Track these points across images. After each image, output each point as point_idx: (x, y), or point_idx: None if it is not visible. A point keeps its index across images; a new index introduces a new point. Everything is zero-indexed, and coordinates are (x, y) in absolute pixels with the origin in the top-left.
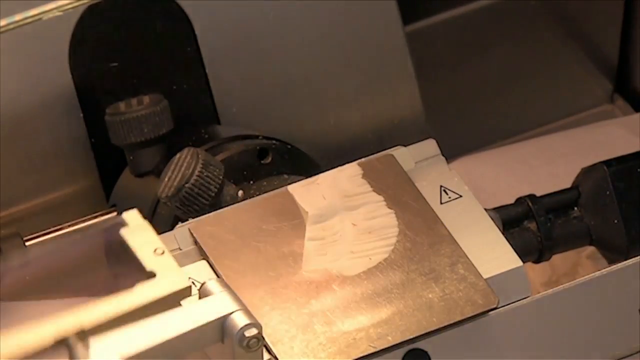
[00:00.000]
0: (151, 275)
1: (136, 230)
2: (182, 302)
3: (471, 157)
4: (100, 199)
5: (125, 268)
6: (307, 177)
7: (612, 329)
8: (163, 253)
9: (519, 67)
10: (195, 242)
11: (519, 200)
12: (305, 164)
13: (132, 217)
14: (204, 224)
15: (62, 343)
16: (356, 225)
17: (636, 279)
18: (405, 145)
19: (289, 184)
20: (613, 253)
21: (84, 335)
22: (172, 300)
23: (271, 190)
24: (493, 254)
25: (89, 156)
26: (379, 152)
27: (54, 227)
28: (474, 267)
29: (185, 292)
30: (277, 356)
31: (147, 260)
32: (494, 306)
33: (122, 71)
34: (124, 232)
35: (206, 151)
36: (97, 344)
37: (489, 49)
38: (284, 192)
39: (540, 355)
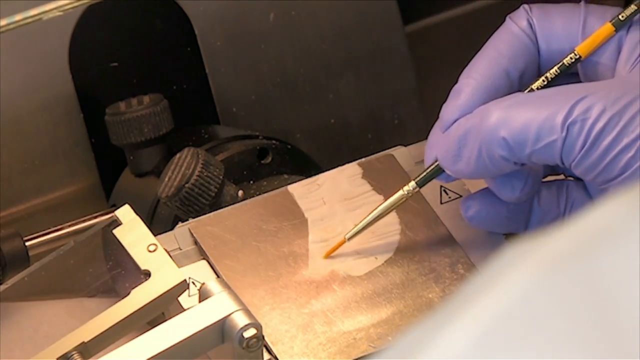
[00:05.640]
0: (146, 273)
1: (129, 226)
2: (180, 300)
3: None
4: (100, 199)
5: (121, 268)
6: (307, 177)
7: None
8: (156, 249)
9: None
10: (195, 242)
11: None
12: (305, 164)
13: (125, 212)
14: (204, 224)
15: (64, 358)
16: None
17: None
18: (405, 145)
19: (289, 184)
20: None
21: (85, 348)
22: (168, 297)
23: (271, 190)
24: (493, 254)
25: (89, 156)
26: (379, 152)
27: (54, 227)
28: (474, 267)
29: (181, 288)
30: (277, 356)
31: (141, 258)
32: None
33: (122, 71)
34: (118, 231)
35: (206, 151)
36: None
37: None
38: (284, 192)
39: None
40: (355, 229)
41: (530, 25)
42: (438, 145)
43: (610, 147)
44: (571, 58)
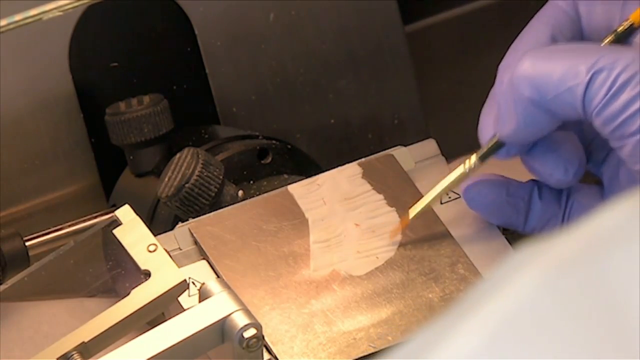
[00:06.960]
0: (146, 273)
1: (129, 227)
2: (180, 300)
3: None
4: (100, 199)
5: (121, 268)
6: (307, 177)
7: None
8: (156, 249)
9: None
10: (195, 242)
11: None
12: (305, 164)
13: (125, 212)
14: (204, 224)
15: (64, 358)
16: (359, 225)
17: None
18: (405, 145)
19: (289, 184)
20: None
21: (85, 348)
22: (168, 297)
23: (271, 190)
24: (493, 254)
25: (89, 156)
26: (379, 152)
27: (54, 227)
28: (474, 267)
29: (181, 288)
30: (277, 356)
31: (141, 258)
32: None
33: (122, 71)
34: (118, 231)
35: (206, 151)
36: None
37: (489, 49)
38: (284, 192)
39: None
40: (418, 208)
41: (574, 1)
42: (492, 119)
43: (633, 100)
44: (624, 26)
